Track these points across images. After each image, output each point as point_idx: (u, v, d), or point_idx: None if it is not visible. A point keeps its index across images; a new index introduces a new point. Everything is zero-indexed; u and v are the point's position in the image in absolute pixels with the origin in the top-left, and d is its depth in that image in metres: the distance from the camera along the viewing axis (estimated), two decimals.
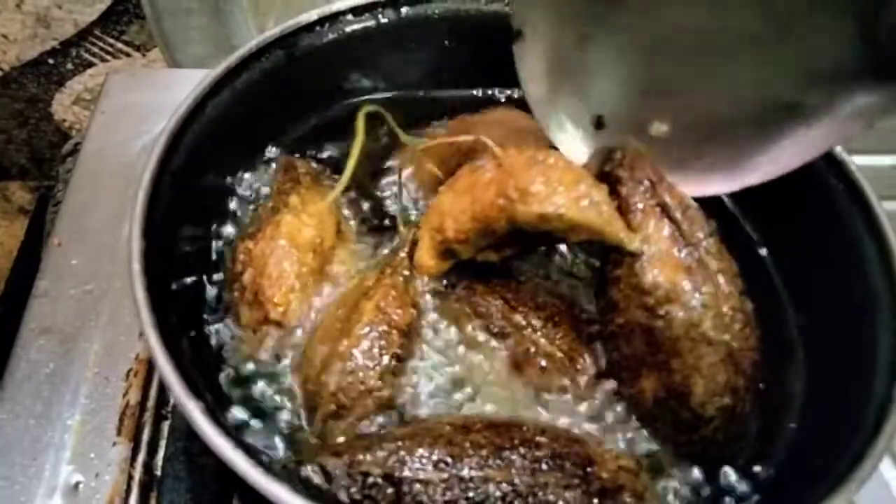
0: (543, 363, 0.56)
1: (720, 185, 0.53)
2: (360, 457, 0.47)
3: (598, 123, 0.53)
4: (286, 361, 0.57)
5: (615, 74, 0.51)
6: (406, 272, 0.60)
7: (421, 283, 0.61)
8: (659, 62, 0.49)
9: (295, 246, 0.59)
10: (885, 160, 0.94)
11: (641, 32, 0.49)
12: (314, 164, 0.69)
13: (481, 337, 0.58)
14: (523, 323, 0.58)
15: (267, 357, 0.57)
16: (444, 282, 0.61)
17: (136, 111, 0.88)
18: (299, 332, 0.58)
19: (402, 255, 0.60)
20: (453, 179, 0.58)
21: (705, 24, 0.46)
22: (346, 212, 0.67)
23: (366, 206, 0.68)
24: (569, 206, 0.50)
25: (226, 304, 0.60)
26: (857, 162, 0.61)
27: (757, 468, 0.54)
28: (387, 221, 0.67)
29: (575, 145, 0.56)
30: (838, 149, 0.61)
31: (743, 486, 0.53)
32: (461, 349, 0.58)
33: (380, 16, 0.73)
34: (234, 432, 0.49)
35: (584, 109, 0.53)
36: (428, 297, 0.61)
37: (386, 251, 0.64)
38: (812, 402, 0.56)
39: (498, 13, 0.74)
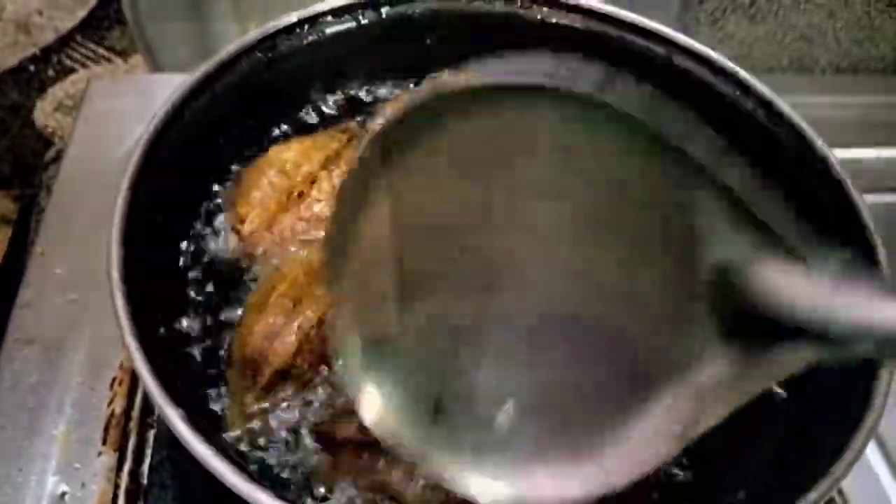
0: None
1: (579, 486, 0.41)
2: None
3: (437, 408, 0.43)
4: None
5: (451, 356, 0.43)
6: None
7: None
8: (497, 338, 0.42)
9: (268, 164, 0.63)
10: (869, 153, 0.94)
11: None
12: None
13: None
14: None
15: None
16: None
17: (118, 117, 0.88)
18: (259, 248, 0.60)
19: None
20: None
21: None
22: None
23: None
24: None
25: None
26: (840, 155, 0.61)
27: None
28: None
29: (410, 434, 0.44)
30: (819, 142, 0.61)
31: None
32: None
33: (360, 17, 0.72)
34: (219, 441, 0.49)
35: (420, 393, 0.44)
36: None
37: None
38: (796, 395, 0.56)
39: (479, 12, 0.74)
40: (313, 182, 0.64)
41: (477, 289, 0.42)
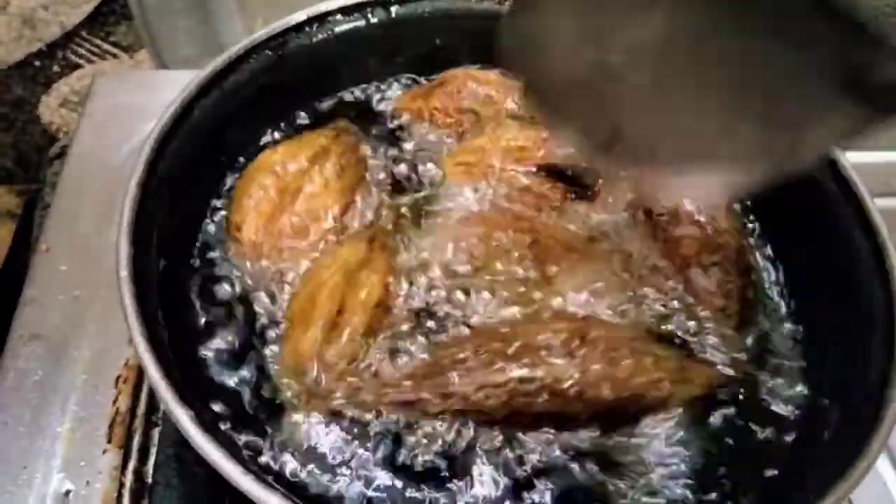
0: None
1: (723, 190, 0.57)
2: None
3: (612, 138, 0.55)
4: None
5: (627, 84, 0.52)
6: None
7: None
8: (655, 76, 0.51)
9: (257, 170, 0.64)
10: (880, 156, 0.94)
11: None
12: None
13: None
14: None
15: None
16: None
17: (123, 113, 0.87)
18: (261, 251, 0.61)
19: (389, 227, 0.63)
20: None
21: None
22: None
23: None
24: None
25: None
26: (851, 159, 0.61)
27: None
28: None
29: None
30: None
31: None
32: None
33: (370, 15, 0.72)
34: (226, 439, 0.49)
35: (596, 125, 0.55)
36: None
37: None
38: (810, 403, 0.56)
39: (488, 11, 0.74)
40: (304, 177, 0.64)
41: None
